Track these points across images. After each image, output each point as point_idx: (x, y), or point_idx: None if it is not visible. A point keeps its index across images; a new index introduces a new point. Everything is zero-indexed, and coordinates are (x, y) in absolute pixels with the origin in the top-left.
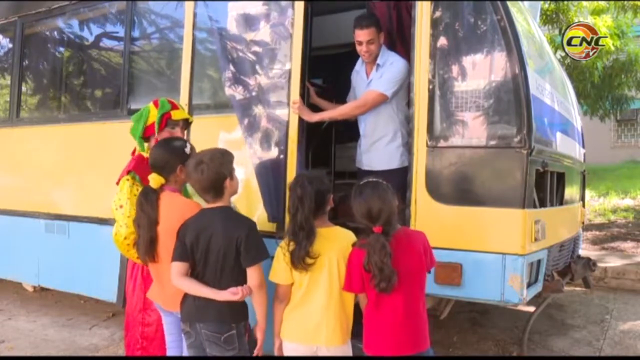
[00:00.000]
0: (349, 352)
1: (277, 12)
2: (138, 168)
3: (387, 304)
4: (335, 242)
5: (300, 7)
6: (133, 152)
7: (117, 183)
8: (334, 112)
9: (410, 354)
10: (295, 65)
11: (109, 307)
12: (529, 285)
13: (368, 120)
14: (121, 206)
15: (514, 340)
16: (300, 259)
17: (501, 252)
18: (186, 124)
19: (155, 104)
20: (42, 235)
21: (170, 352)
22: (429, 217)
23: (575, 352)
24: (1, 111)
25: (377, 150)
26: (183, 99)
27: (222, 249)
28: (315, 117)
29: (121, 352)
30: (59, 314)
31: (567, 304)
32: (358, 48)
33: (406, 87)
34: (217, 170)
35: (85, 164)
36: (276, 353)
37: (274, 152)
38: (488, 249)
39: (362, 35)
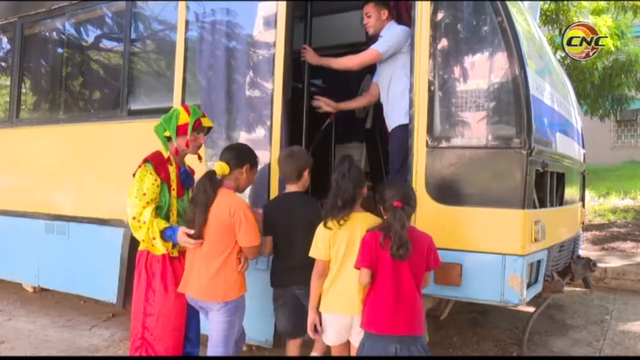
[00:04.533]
0: None
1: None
2: (155, 160)
3: (387, 285)
4: (365, 223)
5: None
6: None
7: (134, 175)
8: (333, 61)
9: (404, 334)
10: (278, 63)
11: (109, 307)
12: (529, 285)
13: (384, 75)
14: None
15: (514, 341)
16: (341, 214)
17: (501, 252)
18: (208, 130)
19: (185, 108)
20: (42, 236)
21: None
22: (429, 217)
23: (575, 353)
24: (1, 111)
25: (394, 105)
26: (176, 101)
27: (303, 224)
28: (314, 60)
29: (121, 352)
30: (59, 315)
31: (567, 304)
32: None
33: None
34: (304, 160)
35: (85, 164)
36: (309, 327)
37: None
38: (488, 250)
39: (364, 8)
